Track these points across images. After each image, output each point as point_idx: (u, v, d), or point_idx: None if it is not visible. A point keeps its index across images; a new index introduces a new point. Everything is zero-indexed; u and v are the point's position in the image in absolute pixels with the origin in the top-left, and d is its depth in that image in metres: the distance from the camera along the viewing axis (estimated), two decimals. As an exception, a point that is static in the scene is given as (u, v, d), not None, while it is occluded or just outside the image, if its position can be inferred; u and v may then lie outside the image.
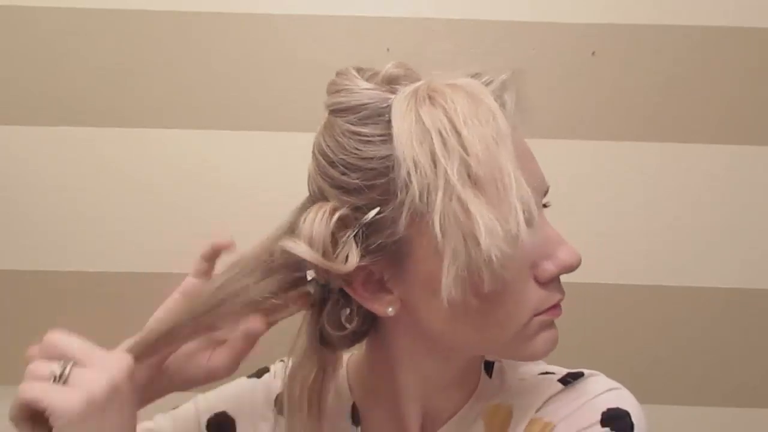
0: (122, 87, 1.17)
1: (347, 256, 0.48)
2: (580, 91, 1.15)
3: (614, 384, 0.57)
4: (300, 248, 0.49)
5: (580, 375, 0.58)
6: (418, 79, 0.51)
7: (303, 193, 1.17)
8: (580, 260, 0.50)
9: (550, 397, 0.57)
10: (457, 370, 0.58)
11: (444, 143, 0.44)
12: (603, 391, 0.55)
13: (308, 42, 1.17)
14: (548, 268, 0.49)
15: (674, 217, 1.17)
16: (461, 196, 0.43)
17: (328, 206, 0.49)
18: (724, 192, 1.17)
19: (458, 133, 0.44)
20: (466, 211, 0.43)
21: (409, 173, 0.45)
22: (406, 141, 0.45)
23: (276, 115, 1.17)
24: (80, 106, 1.17)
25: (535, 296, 0.49)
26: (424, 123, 0.45)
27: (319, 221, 0.48)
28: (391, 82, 0.51)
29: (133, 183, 1.17)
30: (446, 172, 0.44)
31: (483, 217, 0.43)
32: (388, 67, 0.52)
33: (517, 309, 0.49)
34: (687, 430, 1.16)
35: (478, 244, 0.43)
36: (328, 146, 0.50)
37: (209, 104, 1.17)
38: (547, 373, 0.61)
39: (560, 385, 0.58)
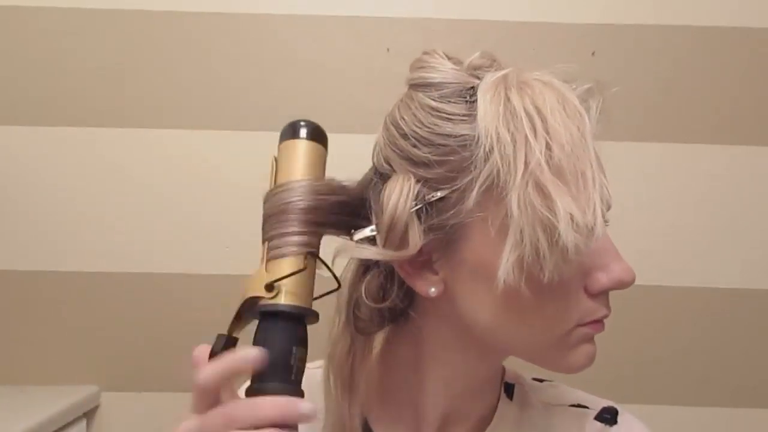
0: (122, 87, 1.17)
1: (409, 235, 0.48)
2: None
3: None
4: (369, 252, 0.49)
5: (615, 412, 0.60)
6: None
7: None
8: (634, 279, 0.50)
9: None
10: (483, 377, 0.57)
11: (531, 126, 0.44)
12: None
13: (308, 42, 1.17)
14: (601, 279, 0.49)
15: (674, 217, 1.17)
16: (542, 180, 0.43)
17: (411, 180, 0.48)
18: (724, 192, 1.17)
19: (545, 120, 0.44)
20: (546, 196, 0.43)
21: (490, 150, 0.45)
22: (492, 119, 0.45)
23: (276, 115, 1.17)
24: (80, 106, 1.17)
25: (583, 305, 0.49)
26: (513, 105, 0.45)
27: (405, 197, 0.47)
28: (476, 69, 0.50)
29: (133, 183, 1.17)
30: (530, 153, 0.43)
31: (564, 204, 0.42)
32: (475, 57, 0.52)
33: (563, 313, 0.49)
34: (687, 430, 1.16)
35: (554, 230, 0.42)
36: (403, 118, 0.50)
37: (209, 104, 1.17)
38: (579, 405, 0.60)
39: (599, 424, 0.58)
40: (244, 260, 1.19)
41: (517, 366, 0.60)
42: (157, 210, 1.17)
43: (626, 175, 1.16)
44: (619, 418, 0.59)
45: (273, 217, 0.49)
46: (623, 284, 0.49)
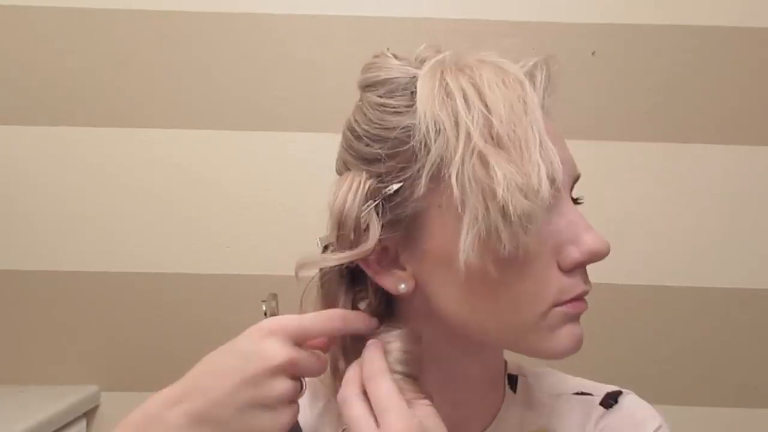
0: (122, 87, 1.17)
1: (368, 230, 0.48)
2: (580, 91, 1.15)
3: (660, 419, 0.56)
4: (330, 259, 0.49)
5: (619, 394, 0.58)
6: None
7: (302, 192, 1.18)
8: (609, 248, 0.46)
9: (596, 423, 0.56)
10: (480, 378, 0.55)
11: (466, 102, 0.44)
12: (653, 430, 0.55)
13: (308, 42, 1.17)
14: (572, 253, 0.46)
15: (674, 217, 1.17)
16: (482, 151, 0.43)
17: (361, 176, 0.49)
18: (724, 192, 1.17)
19: (481, 94, 0.44)
20: (486, 164, 0.42)
21: (428, 132, 0.45)
22: (428, 101, 0.45)
23: (276, 115, 1.17)
24: (80, 106, 1.17)
25: (557, 283, 0.46)
26: (448, 85, 0.45)
27: (353, 193, 0.48)
28: (422, 61, 0.51)
29: (133, 183, 1.17)
30: (467, 129, 0.43)
31: (501, 168, 0.42)
32: (420, 49, 0.52)
33: (535, 292, 0.46)
34: (687, 430, 1.16)
35: (495, 196, 0.42)
36: (356, 120, 0.51)
37: (209, 104, 1.17)
38: (583, 393, 0.58)
39: (602, 409, 0.57)
40: (244, 260, 1.19)
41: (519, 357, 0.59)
42: (157, 210, 1.17)
43: (626, 175, 1.16)
44: (620, 399, 0.58)
45: None
46: (596, 255, 0.46)
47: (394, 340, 0.50)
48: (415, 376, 0.48)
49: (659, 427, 0.55)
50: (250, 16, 1.17)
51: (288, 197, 1.17)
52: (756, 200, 1.17)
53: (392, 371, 0.47)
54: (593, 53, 1.15)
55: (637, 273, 1.16)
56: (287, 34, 1.17)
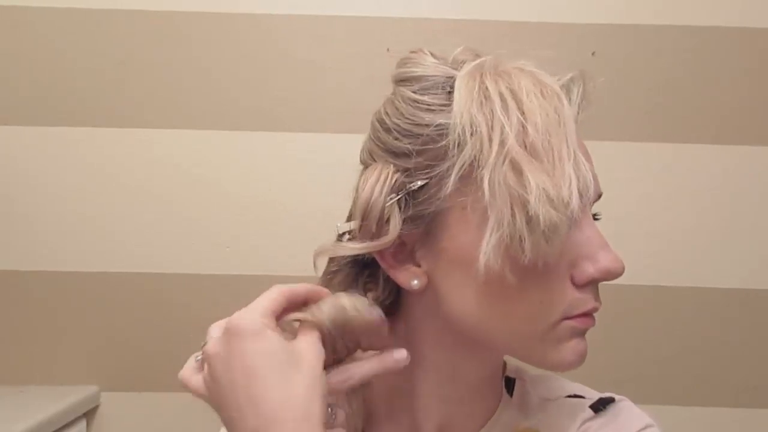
0: (121, 87, 1.17)
1: (389, 223, 0.48)
2: (580, 91, 1.15)
3: (648, 420, 0.55)
4: (348, 248, 0.50)
5: (611, 401, 0.57)
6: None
7: (302, 192, 1.17)
8: (623, 269, 0.48)
9: (582, 424, 0.55)
10: (476, 379, 0.55)
11: (504, 107, 0.45)
12: (638, 429, 0.54)
13: (308, 42, 1.17)
14: (587, 269, 0.47)
15: (675, 217, 1.17)
16: (516, 158, 0.43)
17: (389, 168, 0.49)
18: (724, 192, 1.17)
19: (519, 101, 0.45)
20: (519, 172, 0.43)
21: (463, 132, 0.45)
22: (466, 102, 0.46)
23: (276, 115, 1.17)
24: (79, 106, 1.17)
25: (569, 296, 0.47)
26: (487, 89, 0.46)
27: (381, 184, 0.48)
28: (459, 63, 0.51)
29: (133, 183, 1.17)
30: (502, 133, 0.44)
31: (535, 178, 0.42)
32: (458, 51, 0.52)
33: (547, 303, 0.47)
34: (687, 430, 1.16)
35: (526, 206, 0.42)
36: (387, 113, 0.51)
37: (209, 104, 1.17)
38: (576, 396, 0.58)
39: (592, 412, 0.56)
40: (244, 260, 1.19)
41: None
42: (157, 210, 1.17)
43: (626, 175, 1.16)
44: (611, 405, 0.57)
45: None
46: (611, 274, 0.47)
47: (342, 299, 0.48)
48: (334, 335, 0.47)
49: (644, 428, 0.54)
50: (249, 16, 1.17)
51: (288, 197, 1.17)
52: (756, 200, 1.17)
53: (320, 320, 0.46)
54: (593, 53, 1.15)
55: (637, 273, 1.16)
56: (287, 34, 1.17)
